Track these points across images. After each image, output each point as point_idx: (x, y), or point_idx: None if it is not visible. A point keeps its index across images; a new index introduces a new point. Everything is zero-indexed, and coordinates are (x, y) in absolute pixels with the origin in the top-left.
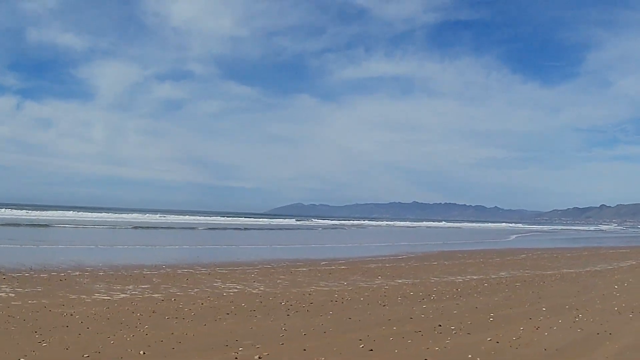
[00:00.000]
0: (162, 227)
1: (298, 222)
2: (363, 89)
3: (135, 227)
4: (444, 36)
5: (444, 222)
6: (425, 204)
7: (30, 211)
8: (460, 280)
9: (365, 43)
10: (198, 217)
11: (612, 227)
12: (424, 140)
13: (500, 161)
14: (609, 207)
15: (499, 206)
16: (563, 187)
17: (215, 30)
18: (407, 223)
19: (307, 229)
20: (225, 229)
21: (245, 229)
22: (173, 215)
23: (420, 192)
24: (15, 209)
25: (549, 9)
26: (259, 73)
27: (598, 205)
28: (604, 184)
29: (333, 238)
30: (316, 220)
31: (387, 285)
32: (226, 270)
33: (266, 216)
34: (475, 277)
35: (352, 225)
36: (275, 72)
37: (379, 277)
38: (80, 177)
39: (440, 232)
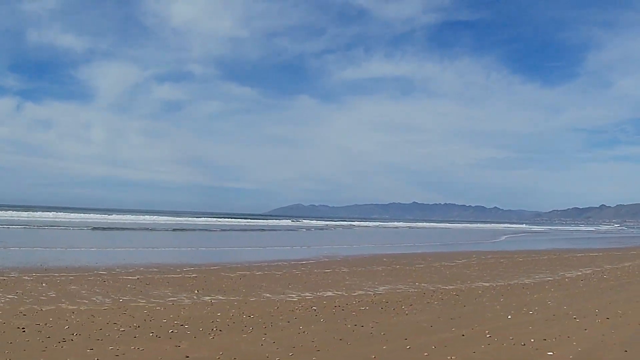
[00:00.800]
0: (122, 229)
1: (292, 223)
2: (363, 90)
3: (94, 229)
4: (444, 37)
5: (434, 223)
6: (425, 204)
7: (8, 211)
8: (295, 299)
9: (365, 44)
10: (179, 219)
11: (611, 227)
12: (424, 140)
13: (500, 162)
14: (609, 207)
15: (498, 206)
16: (563, 188)
17: (215, 31)
18: (399, 224)
19: (289, 230)
20: (192, 230)
21: (221, 230)
22: (156, 216)
23: (420, 193)
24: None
25: (549, 9)
26: (258, 74)
27: (598, 206)
28: (604, 184)
29: (293, 240)
30: (307, 221)
31: (161, 307)
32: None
33: (263, 217)
34: (327, 294)
35: (340, 226)
36: (275, 72)
37: (195, 291)
38: (80, 179)
39: (422, 234)
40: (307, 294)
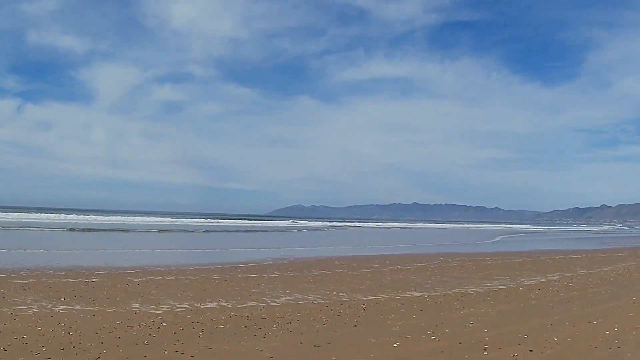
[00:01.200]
0: (99, 230)
1: (287, 225)
2: (363, 91)
3: (70, 230)
4: (444, 37)
5: (433, 224)
6: (426, 205)
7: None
8: (160, 311)
9: (365, 44)
10: (172, 219)
11: (611, 227)
12: (425, 141)
13: (500, 162)
14: (610, 207)
15: (499, 207)
16: (564, 188)
17: (215, 32)
18: (396, 224)
19: (279, 231)
20: (175, 231)
21: (205, 231)
22: (150, 217)
23: (420, 193)
24: None
25: (550, 9)
26: (259, 75)
27: (599, 206)
28: (604, 184)
29: (270, 242)
30: (305, 222)
31: None
32: None
33: (262, 218)
34: (208, 306)
35: (335, 227)
36: (276, 73)
37: (62, 299)
38: (80, 180)
39: (414, 234)
40: (185, 304)
